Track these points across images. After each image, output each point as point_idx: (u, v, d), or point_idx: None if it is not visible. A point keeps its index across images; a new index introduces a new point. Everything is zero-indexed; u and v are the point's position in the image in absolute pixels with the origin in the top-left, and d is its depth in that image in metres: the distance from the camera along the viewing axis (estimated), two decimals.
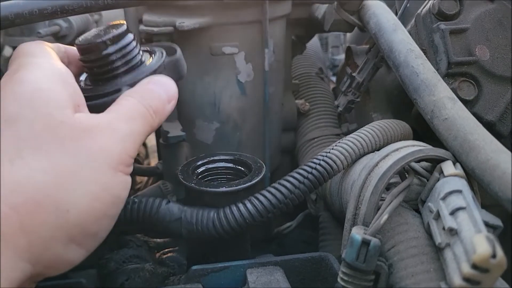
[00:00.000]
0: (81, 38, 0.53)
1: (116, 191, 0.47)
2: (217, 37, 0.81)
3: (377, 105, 0.89)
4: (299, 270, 0.60)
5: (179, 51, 0.56)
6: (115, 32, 0.52)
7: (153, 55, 0.57)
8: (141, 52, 0.55)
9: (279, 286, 0.55)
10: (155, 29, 0.78)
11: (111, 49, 0.51)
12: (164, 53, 0.56)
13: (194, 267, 0.58)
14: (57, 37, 1.04)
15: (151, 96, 0.52)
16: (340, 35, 1.54)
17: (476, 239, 0.40)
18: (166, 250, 0.90)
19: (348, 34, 1.32)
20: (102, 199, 0.45)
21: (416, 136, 0.72)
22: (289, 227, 0.91)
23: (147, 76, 0.54)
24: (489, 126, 0.65)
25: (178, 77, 0.55)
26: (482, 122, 0.64)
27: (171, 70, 0.55)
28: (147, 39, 0.83)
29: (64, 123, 0.44)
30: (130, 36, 0.53)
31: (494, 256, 0.39)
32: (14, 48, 1.16)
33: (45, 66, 0.48)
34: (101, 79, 0.53)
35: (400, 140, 0.66)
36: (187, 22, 0.76)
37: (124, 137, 0.48)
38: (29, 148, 0.42)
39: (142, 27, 0.81)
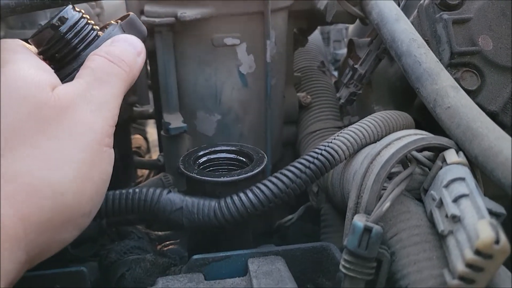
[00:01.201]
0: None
1: (104, 167, 0.48)
2: (218, 28, 0.80)
3: (379, 97, 0.89)
4: (301, 260, 0.60)
5: (132, 13, 0.56)
6: (61, 13, 0.52)
7: (107, 27, 0.57)
8: (95, 27, 0.55)
9: (280, 275, 0.55)
10: (157, 19, 0.78)
11: (63, 28, 0.52)
12: (118, 21, 0.57)
13: (195, 257, 0.58)
14: None
15: (118, 51, 0.52)
16: (342, 30, 1.54)
17: (479, 225, 0.40)
18: (167, 242, 0.90)
19: (350, 29, 1.31)
20: (93, 178, 0.46)
21: (419, 128, 0.71)
22: (290, 220, 0.91)
23: None
24: (492, 117, 0.64)
25: (139, 36, 0.55)
26: (485, 113, 0.63)
27: (131, 30, 0.55)
28: (149, 30, 0.83)
29: (45, 104, 0.44)
30: (78, 14, 0.53)
31: (497, 241, 0.39)
32: None
33: (25, 59, 0.48)
34: (65, 63, 0.53)
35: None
36: (188, 13, 0.76)
37: (101, 106, 0.48)
38: (17, 138, 0.42)
39: (143, 18, 0.80)
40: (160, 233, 0.94)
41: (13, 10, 0.59)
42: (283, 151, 1.01)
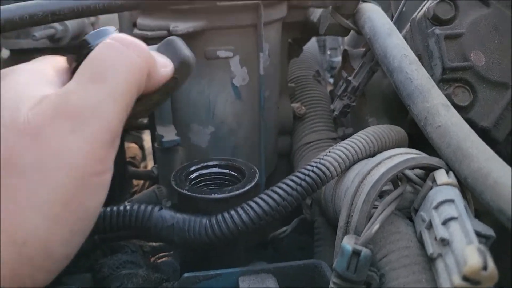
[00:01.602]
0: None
1: (84, 204, 0.38)
2: (211, 41, 0.80)
3: (373, 110, 0.89)
4: (292, 277, 0.60)
5: (175, 36, 0.50)
6: (96, 31, 0.45)
7: None
8: None
9: None
10: (149, 33, 0.78)
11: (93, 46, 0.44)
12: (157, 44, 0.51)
13: (186, 275, 0.58)
14: (53, 40, 1.04)
15: (140, 50, 0.41)
16: (338, 37, 1.53)
17: (467, 251, 0.40)
18: (161, 254, 0.90)
19: (346, 37, 1.31)
20: (66, 219, 0.37)
21: (412, 142, 0.71)
22: (284, 232, 0.91)
23: None
24: (484, 132, 0.64)
25: (175, 59, 0.47)
26: (477, 128, 0.64)
27: (166, 52, 0.47)
28: None
29: (8, 131, 0.35)
30: (113, 29, 0.46)
31: (485, 268, 0.38)
32: (10, 50, 1.16)
33: (27, 71, 0.41)
34: None
35: (395, 146, 0.65)
36: (181, 26, 0.76)
37: (88, 119, 0.36)
38: None
39: (136, 31, 0.80)
40: (154, 244, 0.94)
41: (3, 28, 0.59)
42: (278, 162, 1.01)
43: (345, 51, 0.96)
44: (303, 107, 0.99)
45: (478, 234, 0.43)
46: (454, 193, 0.47)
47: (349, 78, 0.84)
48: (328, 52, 1.56)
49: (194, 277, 0.58)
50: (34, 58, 0.98)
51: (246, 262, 0.69)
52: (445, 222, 0.45)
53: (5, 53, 1.23)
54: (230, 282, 0.58)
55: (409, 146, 0.63)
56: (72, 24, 1.05)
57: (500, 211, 0.43)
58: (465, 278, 0.39)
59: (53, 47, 1.06)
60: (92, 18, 1.19)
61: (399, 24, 0.83)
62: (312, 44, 1.29)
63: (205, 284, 0.58)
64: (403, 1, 0.80)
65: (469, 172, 0.48)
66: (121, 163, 1.03)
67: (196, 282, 0.58)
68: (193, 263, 0.67)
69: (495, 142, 0.64)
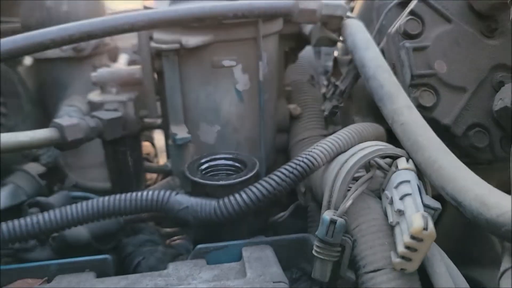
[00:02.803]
0: None
1: None
2: (217, 52, 0.93)
3: (359, 110, 1.01)
4: (286, 248, 0.73)
5: None
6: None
7: None
8: None
9: (268, 260, 0.68)
10: (164, 46, 0.91)
11: None
12: None
13: (199, 246, 0.71)
14: (76, 50, 1.17)
15: None
16: None
17: (413, 217, 0.53)
18: (175, 237, 1.03)
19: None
20: None
21: (391, 136, 0.84)
22: (282, 216, 1.03)
23: None
24: (446, 129, 0.77)
25: None
26: (440, 125, 0.76)
27: None
28: (157, 54, 0.96)
29: None
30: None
31: (426, 228, 0.51)
32: (35, 59, 1.28)
33: None
34: None
35: (373, 140, 0.78)
36: (191, 40, 0.89)
37: None
38: None
39: (152, 44, 0.93)
40: (168, 229, 1.07)
41: (47, 47, 0.73)
42: (277, 157, 1.14)
43: (335, 58, 1.09)
44: (298, 108, 1.12)
45: (428, 207, 0.56)
46: (410, 176, 0.60)
47: (337, 83, 0.96)
48: (323, 57, 1.68)
49: (205, 248, 0.71)
50: (57, 66, 1.10)
51: (248, 237, 0.81)
52: (401, 198, 0.57)
53: (28, 60, 1.36)
54: (235, 252, 0.71)
55: (388, 140, 0.75)
56: None
57: (441, 188, 0.55)
58: (412, 237, 0.52)
59: (76, 57, 1.19)
60: None
61: (380, 34, 0.96)
62: (308, 50, 1.41)
63: (214, 254, 0.71)
64: (382, 16, 0.93)
65: (422, 160, 0.60)
66: (138, 159, 1.16)
67: (207, 252, 0.71)
68: (204, 239, 0.80)
69: (454, 137, 0.77)
